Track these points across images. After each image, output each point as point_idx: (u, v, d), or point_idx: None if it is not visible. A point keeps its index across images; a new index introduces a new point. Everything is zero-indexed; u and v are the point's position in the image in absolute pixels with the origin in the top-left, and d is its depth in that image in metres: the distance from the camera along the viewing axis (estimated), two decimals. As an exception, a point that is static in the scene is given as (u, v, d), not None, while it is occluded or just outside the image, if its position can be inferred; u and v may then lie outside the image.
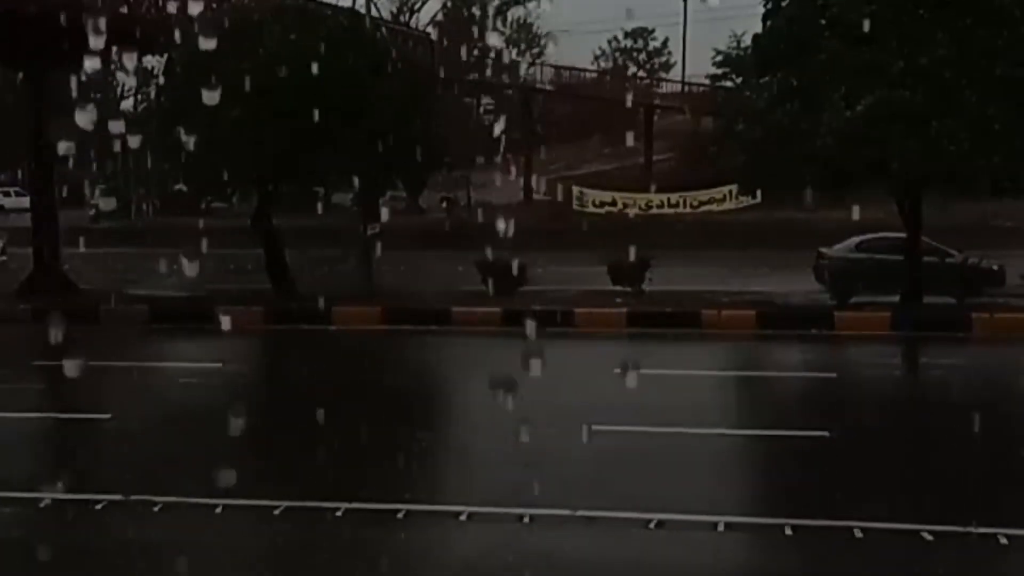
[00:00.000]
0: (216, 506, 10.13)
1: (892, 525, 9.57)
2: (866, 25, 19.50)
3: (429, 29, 64.76)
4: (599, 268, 26.08)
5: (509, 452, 11.36)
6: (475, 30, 67.09)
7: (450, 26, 67.78)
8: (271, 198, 27.52)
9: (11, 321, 23.08)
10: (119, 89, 66.05)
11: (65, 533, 9.97)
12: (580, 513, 9.92)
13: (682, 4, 67.31)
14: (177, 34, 24.60)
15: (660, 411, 14.18)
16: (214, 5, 29.43)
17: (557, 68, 64.21)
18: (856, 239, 24.78)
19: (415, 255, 32.30)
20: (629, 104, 60.14)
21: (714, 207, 48.54)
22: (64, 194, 32.25)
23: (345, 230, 32.69)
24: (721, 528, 9.61)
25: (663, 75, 74.47)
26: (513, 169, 51.91)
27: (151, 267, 29.18)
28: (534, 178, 53.79)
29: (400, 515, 9.99)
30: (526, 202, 49.76)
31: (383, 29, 33.89)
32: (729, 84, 56.85)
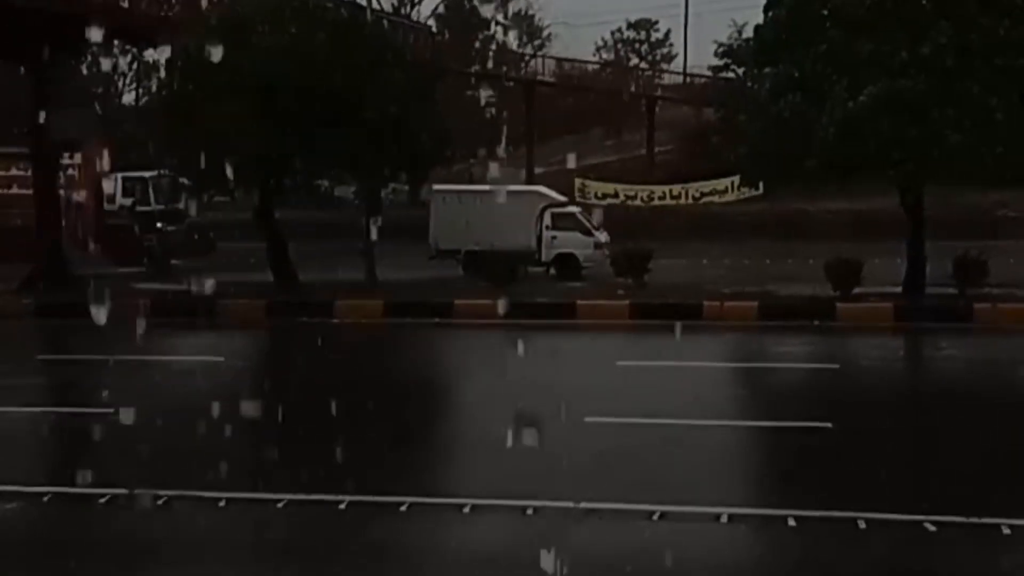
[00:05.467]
0: (219, 500, 10.15)
1: (895, 516, 9.57)
2: (867, 15, 19.50)
3: (430, 21, 64.65)
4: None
5: (511, 443, 11.37)
6: (476, 22, 66.96)
7: (451, 18, 67.64)
8: (273, 191, 27.53)
9: (14, 316, 23.11)
10: (121, 83, 66.01)
11: (68, 527, 10.00)
12: (583, 505, 9.94)
13: (683, -5, 67.22)
14: (178, 29, 24.68)
15: (662, 403, 14.20)
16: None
17: (559, 60, 64.15)
18: None
19: (417, 248, 32.29)
20: (631, 96, 60.07)
21: (716, 199, 48.51)
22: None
23: (347, 223, 32.76)
24: (724, 520, 9.62)
25: (665, 67, 74.33)
26: (515, 161, 51.84)
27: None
28: (536, 170, 53.70)
29: (403, 508, 10.00)
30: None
31: (384, 22, 33.88)
32: (731, 75, 56.76)
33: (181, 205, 33.39)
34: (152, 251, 32.26)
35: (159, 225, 33.25)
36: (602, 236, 29.76)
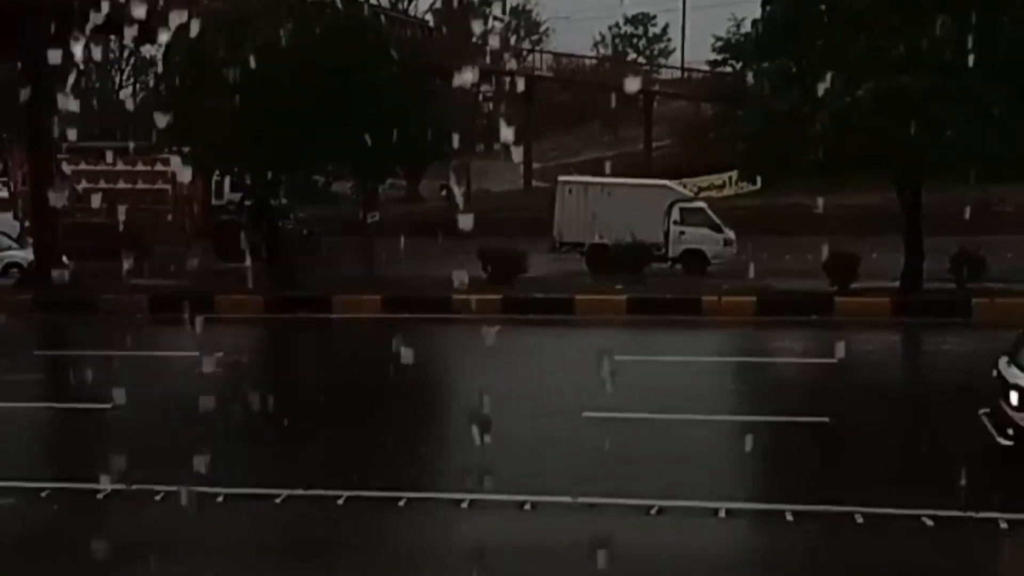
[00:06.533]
0: (218, 495, 10.14)
1: (893, 510, 9.58)
2: (866, 10, 19.51)
3: (427, 16, 64.62)
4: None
5: (510, 439, 11.37)
6: (473, 17, 66.92)
7: (449, 13, 67.60)
8: (270, 187, 27.53)
9: (13, 311, 23.04)
10: (117, 78, 65.95)
11: (66, 522, 9.99)
12: (581, 500, 9.94)
13: (681, -10, 67.21)
14: (175, 23, 24.61)
15: (660, 398, 14.20)
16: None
17: (556, 55, 64.12)
18: None
19: (415, 243, 32.30)
20: (628, 90, 60.12)
21: (713, 193, 48.46)
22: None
23: (345, 218, 32.70)
24: (722, 514, 9.63)
25: (663, 61, 74.33)
26: (513, 157, 51.78)
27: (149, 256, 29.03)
28: (534, 166, 53.70)
29: (401, 503, 10.00)
30: (526, 190, 49.75)
31: (381, 16, 33.83)
32: (729, 70, 56.70)
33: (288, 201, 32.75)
34: (258, 247, 31.23)
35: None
36: (730, 232, 29.22)
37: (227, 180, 33.41)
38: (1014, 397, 10.89)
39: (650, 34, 79.48)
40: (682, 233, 28.98)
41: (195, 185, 32.89)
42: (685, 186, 49.43)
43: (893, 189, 24.14)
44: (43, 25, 22.37)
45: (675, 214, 29.16)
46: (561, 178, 31.23)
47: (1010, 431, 10.90)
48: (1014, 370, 11.15)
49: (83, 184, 34.05)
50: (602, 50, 77.61)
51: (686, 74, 63.28)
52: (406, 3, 67.15)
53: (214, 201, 33.54)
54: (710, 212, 29.52)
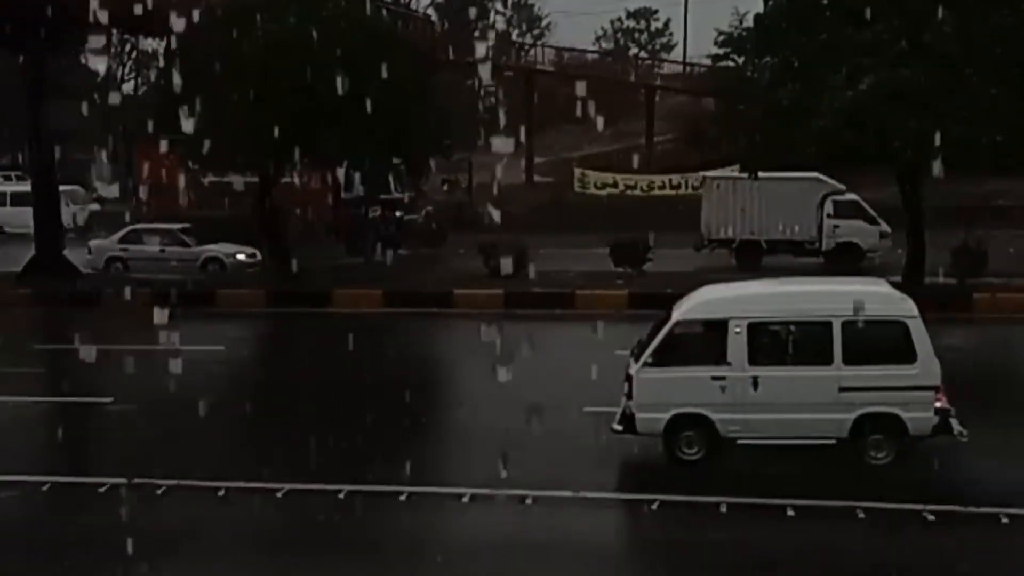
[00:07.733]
0: (219, 489, 10.17)
1: (893, 505, 9.61)
2: (868, 4, 19.48)
3: (430, 11, 64.59)
4: (601, 250, 26.12)
5: (511, 434, 11.40)
6: (475, 12, 66.94)
7: (451, 7, 67.60)
8: (273, 180, 27.50)
9: (13, 304, 23.04)
10: (120, 72, 65.89)
11: (68, 517, 10.01)
12: (582, 495, 9.96)
13: (684, -16, 67.19)
14: (178, 18, 24.59)
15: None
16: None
17: (558, 49, 64.10)
18: None
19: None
20: (630, 85, 60.05)
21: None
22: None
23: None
24: (724, 509, 9.65)
25: (664, 56, 74.22)
26: (514, 151, 51.72)
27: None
28: (536, 160, 53.68)
29: (402, 497, 10.01)
30: (528, 184, 49.71)
31: (383, 11, 33.77)
32: (731, 64, 56.59)
33: (416, 194, 32.39)
34: (388, 239, 30.51)
35: (398, 214, 32.22)
36: (885, 225, 27.91)
37: (357, 174, 32.84)
38: (625, 386, 11.33)
39: (652, 28, 79.47)
40: (836, 227, 28.06)
41: (324, 179, 32.39)
42: (687, 180, 49.57)
43: (895, 183, 24.12)
44: (45, 18, 22.41)
45: (828, 207, 28.26)
46: (707, 174, 30.77)
47: (622, 418, 11.28)
48: (631, 360, 11.58)
49: (209, 178, 33.52)
50: (604, 44, 77.58)
51: (688, 68, 63.20)
52: (408, -3, 67.05)
53: (344, 195, 33.16)
54: (864, 204, 28.39)
